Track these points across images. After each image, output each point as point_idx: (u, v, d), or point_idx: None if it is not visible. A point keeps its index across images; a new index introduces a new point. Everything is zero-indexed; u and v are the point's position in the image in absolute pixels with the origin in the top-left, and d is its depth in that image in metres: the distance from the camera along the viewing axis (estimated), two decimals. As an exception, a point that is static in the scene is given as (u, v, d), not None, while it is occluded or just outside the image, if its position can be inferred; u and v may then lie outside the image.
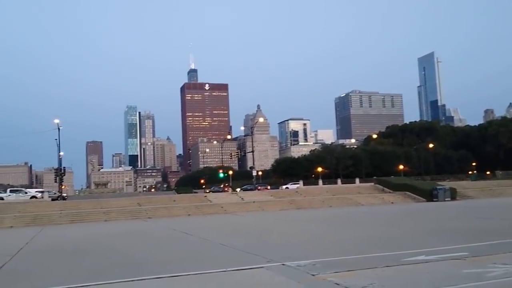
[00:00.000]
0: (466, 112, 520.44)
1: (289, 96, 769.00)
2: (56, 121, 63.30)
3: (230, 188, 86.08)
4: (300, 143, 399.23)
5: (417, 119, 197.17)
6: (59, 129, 63.07)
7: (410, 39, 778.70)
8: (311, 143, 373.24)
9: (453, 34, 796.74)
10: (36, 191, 65.18)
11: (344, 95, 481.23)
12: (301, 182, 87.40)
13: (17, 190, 63.61)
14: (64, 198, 62.55)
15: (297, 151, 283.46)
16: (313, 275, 9.76)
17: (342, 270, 10.07)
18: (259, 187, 75.74)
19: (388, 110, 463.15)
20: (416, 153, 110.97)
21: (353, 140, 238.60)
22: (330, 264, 11.07)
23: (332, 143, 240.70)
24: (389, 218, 28.88)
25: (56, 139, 64.27)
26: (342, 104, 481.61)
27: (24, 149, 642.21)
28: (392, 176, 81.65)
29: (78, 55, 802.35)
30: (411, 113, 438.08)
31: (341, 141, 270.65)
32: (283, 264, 11.30)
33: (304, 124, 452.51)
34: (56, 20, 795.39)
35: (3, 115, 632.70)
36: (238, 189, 74.97)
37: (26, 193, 60.45)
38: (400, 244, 14.74)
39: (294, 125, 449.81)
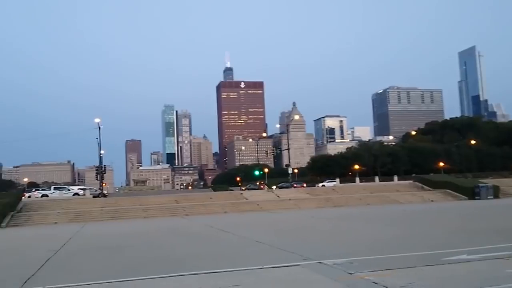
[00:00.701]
0: (510, 107, 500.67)
1: (324, 93, 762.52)
2: (97, 120, 65.19)
3: (265, 186, 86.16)
4: (336, 140, 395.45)
5: (458, 115, 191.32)
6: (99, 128, 64.91)
7: (450, 33, 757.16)
8: (348, 140, 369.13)
9: (495, 27, 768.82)
10: (78, 189, 67.29)
11: (381, 91, 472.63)
12: (337, 179, 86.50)
13: (61, 188, 65.90)
14: (105, 195, 64.31)
15: (333, 149, 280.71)
16: (350, 273, 9.66)
17: (380, 269, 9.92)
18: (294, 185, 75.41)
19: (428, 106, 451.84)
20: (457, 150, 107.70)
21: (391, 137, 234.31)
22: (368, 262, 10.92)
23: (369, 140, 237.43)
24: (428, 216, 28.19)
25: (97, 138, 66.18)
26: (380, 101, 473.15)
27: (67, 148, 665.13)
28: (432, 174, 79.59)
29: (118, 56, 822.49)
30: (452, 109, 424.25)
31: (378, 138, 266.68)
32: (319, 262, 11.23)
33: (341, 121, 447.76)
34: (94, 22, 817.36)
35: (49, 116, 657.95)
36: (273, 187, 74.92)
37: (69, 190, 62.64)
38: (440, 243, 14.37)
39: (330, 122, 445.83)
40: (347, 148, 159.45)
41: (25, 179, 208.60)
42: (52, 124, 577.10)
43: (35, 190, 73.35)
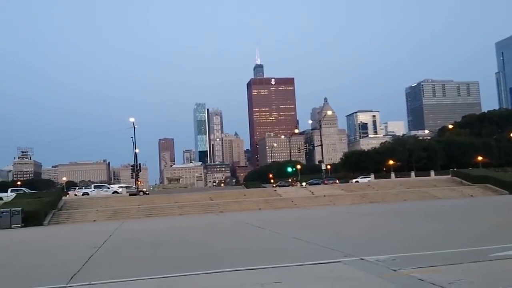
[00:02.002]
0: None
1: (356, 88, 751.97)
2: (132, 119, 66.40)
3: (297, 183, 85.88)
4: (369, 136, 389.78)
5: (496, 108, 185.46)
6: (134, 127, 66.13)
7: (486, 23, 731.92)
8: (381, 135, 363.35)
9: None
10: (118, 187, 68.82)
11: (415, 84, 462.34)
12: (372, 175, 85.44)
13: (101, 186, 67.64)
14: (146, 193, 65.59)
15: (366, 144, 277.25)
16: (394, 270, 9.45)
17: (425, 266, 9.68)
18: (325, 181, 74.92)
19: (464, 98, 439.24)
20: (496, 144, 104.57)
21: (426, 131, 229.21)
22: (411, 259, 10.68)
23: (403, 134, 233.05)
24: (470, 211, 27.43)
25: (131, 137, 67.46)
26: (414, 94, 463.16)
27: (103, 147, 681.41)
28: (470, 168, 77.46)
29: (151, 56, 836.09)
30: (489, 101, 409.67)
31: (413, 133, 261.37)
32: (361, 259, 11.05)
33: (373, 116, 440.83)
34: (121, 21, 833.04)
35: (84, 118, 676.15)
36: (303, 183, 74.53)
37: (108, 188, 64.30)
38: (485, 239, 13.92)
39: (362, 117, 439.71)
40: (380, 143, 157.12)
41: (64, 178, 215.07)
42: (88, 124, 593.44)
43: (78, 188, 75.95)
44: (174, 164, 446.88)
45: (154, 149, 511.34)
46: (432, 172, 77.48)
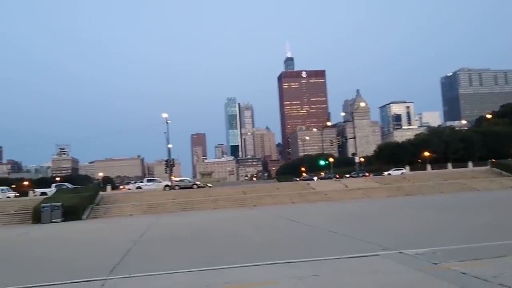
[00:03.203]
0: None
1: (389, 80, 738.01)
2: (165, 115, 67.25)
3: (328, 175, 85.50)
4: (403, 127, 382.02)
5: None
6: (167, 123, 66.98)
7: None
8: (416, 126, 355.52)
9: None
10: (175, 180, 69.76)
11: (451, 74, 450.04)
12: (407, 167, 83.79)
13: (153, 180, 68.97)
14: (201, 186, 66.08)
15: (400, 136, 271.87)
16: (435, 263, 9.24)
17: (467, 259, 9.42)
18: (352, 175, 74.39)
19: (501, 87, 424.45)
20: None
21: (463, 122, 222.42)
22: (452, 252, 10.41)
23: (439, 125, 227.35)
24: (510, 203, 26.53)
25: (165, 133, 68.37)
26: (449, 84, 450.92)
27: (137, 143, 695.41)
28: (510, 159, 74.90)
29: (184, 52, 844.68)
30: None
31: (449, 123, 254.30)
32: (400, 252, 10.85)
33: (407, 107, 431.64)
34: (152, 16, 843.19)
35: (119, 114, 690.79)
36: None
37: (160, 182, 65.65)
38: (530, 232, 13.42)
39: (396, 109, 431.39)
40: (415, 135, 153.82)
41: (100, 174, 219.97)
42: (123, 120, 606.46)
43: (135, 182, 79.17)
44: (206, 158, 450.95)
45: (187, 144, 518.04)
46: (470, 164, 75.26)
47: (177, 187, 59.15)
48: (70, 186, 63.25)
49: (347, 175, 79.29)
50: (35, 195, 57.83)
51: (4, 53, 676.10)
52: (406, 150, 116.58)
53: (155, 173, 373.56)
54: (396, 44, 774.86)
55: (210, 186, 66.16)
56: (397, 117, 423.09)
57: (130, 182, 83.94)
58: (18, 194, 69.46)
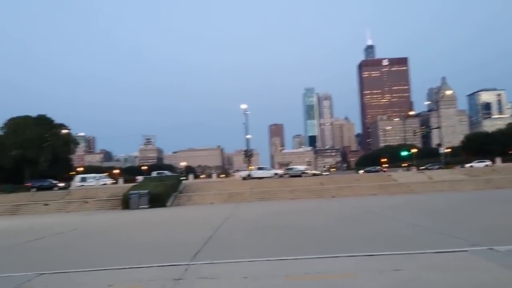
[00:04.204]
0: None
1: (477, 65, 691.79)
2: (243, 106, 68.41)
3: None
4: (493, 116, 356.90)
5: None
6: (246, 113, 68.12)
7: None
8: (507, 115, 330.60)
9: None
10: (285, 168, 71.29)
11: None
12: (498, 159, 78.29)
13: (263, 168, 70.96)
14: (317, 174, 66.59)
15: (490, 125, 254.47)
16: (531, 263, 8.54)
17: None
18: (427, 167, 71.15)
19: None
20: None
21: None
22: (551, 251, 9.56)
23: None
24: None
25: (243, 123, 69.61)
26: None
27: (217, 133, 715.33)
28: None
29: (262, 43, 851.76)
30: None
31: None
32: (490, 249, 10.15)
33: (498, 95, 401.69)
34: (226, 11, 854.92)
35: (201, 105, 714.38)
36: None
37: (269, 170, 67.44)
38: None
39: (486, 97, 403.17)
40: (507, 124, 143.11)
41: (183, 163, 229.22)
42: (204, 111, 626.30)
43: (245, 169, 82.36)
44: (284, 149, 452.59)
45: (265, 135, 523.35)
46: None
47: (286, 175, 60.17)
48: (168, 173, 67.18)
49: (422, 168, 76.31)
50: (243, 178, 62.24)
51: (109, 50, 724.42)
52: (497, 140, 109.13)
53: (234, 163, 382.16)
54: (484, 24, 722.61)
55: (326, 174, 66.31)
56: (487, 106, 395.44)
57: (238, 170, 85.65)
58: (115, 181, 74.76)
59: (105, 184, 63.38)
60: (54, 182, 62.73)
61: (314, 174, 61.62)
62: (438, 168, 66.99)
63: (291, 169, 67.69)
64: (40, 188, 57.27)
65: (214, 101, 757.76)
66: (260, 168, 69.88)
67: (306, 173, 63.91)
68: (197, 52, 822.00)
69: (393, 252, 10.46)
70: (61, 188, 58.48)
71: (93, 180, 64.24)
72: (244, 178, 60.18)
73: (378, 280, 7.89)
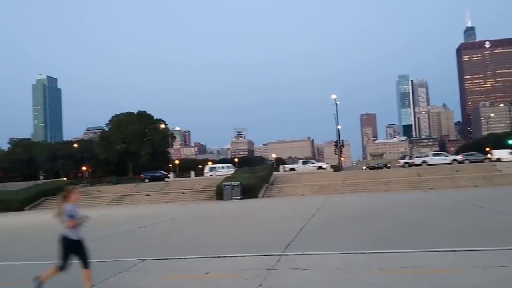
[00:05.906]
0: None
1: None
2: (333, 96, 67.50)
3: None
4: None
5: None
6: (336, 104, 67.12)
7: None
8: None
9: None
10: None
11: None
12: None
13: (307, 161, 71.11)
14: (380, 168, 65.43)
15: None
16: None
17: None
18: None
19: None
20: None
21: None
22: None
23: None
24: None
25: (334, 114, 68.72)
26: None
27: (307, 124, 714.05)
28: None
29: (350, 33, 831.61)
30: None
31: None
32: None
33: None
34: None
35: (290, 97, 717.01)
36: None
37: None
38: None
39: None
40: None
41: (273, 155, 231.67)
42: (294, 102, 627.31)
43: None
44: (376, 139, 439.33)
45: (356, 125, 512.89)
46: None
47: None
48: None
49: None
50: (284, 170, 66.16)
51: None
52: None
53: (325, 154, 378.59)
54: None
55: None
56: None
57: (404, 157, 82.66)
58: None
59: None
60: (164, 173, 67.22)
61: (320, 167, 59.60)
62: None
63: (306, 162, 66.64)
64: (152, 179, 61.50)
65: (304, 92, 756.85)
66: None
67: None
68: (288, 42, 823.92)
69: (499, 247, 9.69)
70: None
71: (221, 169, 67.81)
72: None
73: (483, 276, 7.36)
